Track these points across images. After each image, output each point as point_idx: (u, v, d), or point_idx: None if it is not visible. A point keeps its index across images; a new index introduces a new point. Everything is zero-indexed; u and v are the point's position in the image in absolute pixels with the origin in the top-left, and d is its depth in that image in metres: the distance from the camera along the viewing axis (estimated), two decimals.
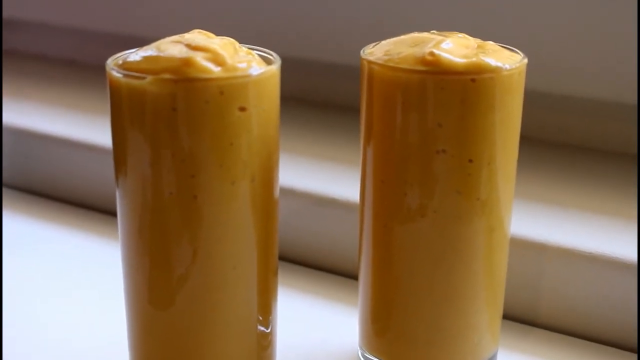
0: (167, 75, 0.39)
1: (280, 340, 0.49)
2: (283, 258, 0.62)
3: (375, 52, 0.46)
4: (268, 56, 0.44)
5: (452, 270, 0.46)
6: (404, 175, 0.45)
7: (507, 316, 0.54)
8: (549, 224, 0.57)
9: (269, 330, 0.46)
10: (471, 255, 0.46)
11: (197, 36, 0.43)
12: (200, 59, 0.40)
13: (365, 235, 0.48)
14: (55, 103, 0.82)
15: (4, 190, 0.76)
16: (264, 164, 0.42)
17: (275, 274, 0.46)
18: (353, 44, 0.53)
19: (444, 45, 0.43)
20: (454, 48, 0.44)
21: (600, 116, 0.67)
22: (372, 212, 0.47)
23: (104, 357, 0.52)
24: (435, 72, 0.43)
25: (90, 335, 0.54)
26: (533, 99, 0.56)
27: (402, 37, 0.47)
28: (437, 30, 0.47)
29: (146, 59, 0.41)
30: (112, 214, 0.49)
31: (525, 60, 0.45)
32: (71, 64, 0.95)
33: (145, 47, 0.42)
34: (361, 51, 0.46)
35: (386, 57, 0.44)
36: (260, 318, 0.45)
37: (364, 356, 0.51)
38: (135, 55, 0.42)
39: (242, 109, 0.40)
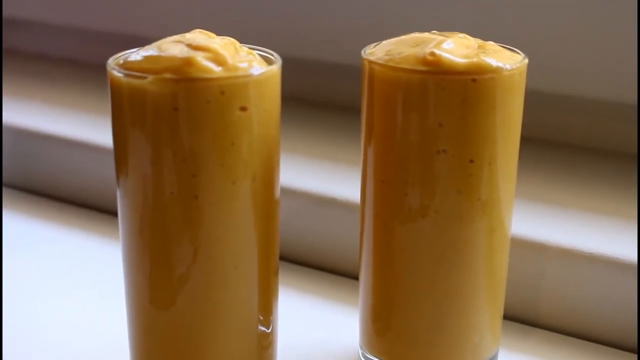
0: (168, 75, 0.39)
1: (280, 340, 0.49)
2: (284, 258, 0.62)
3: (376, 52, 0.46)
4: (269, 56, 0.44)
5: (452, 270, 0.46)
6: (404, 175, 0.45)
7: (508, 316, 0.54)
8: (549, 224, 0.57)
9: (269, 330, 0.46)
10: (472, 255, 0.46)
11: (198, 36, 0.43)
12: (201, 58, 0.40)
13: (366, 235, 0.48)
14: (56, 103, 0.82)
15: (4, 189, 0.76)
16: (265, 164, 0.42)
17: (276, 273, 0.46)
18: (354, 44, 0.53)
19: (444, 46, 0.44)
20: (455, 48, 0.44)
21: (600, 116, 0.67)
22: (372, 212, 0.47)
23: (105, 357, 0.52)
24: (436, 72, 0.43)
25: (91, 335, 0.54)
26: (533, 99, 0.56)
27: (403, 37, 0.47)
28: (438, 30, 0.47)
29: (147, 58, 0.41)
30: (113, 213, 0.49)
31: (526, 61, 0.45)
32: (72, 63, 0.95)
33: (146, 47, 0.42)
34: (362, 51, 0.46)
35: (387, 57, 0.44)
36: (261, 318, 0.45)
37: (364, 356, 0.51)
38: (136, 54, 0.42)
39: (243, 109, 0.40)
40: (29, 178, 0.76)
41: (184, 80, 0.39)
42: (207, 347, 0.44)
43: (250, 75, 0.41)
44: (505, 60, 0.44)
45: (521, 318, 0.56)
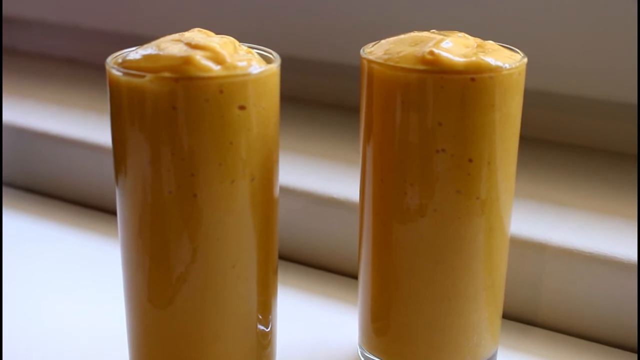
0: (167, 74, 0.39)
1: (280, 339, 0.49)
2: (283, 257, 0.62)
3: (375, 51, 0.46)
4: (268, 55, 0.44)
5: (451, 269, 0.46)
6: (403, 175, 0.45)
7: (507, 316, 0.54)
8: (548, 223, 0.57)
9: (268, 329, 0.46)
10: (471, 255, 0.46)
11: (197, 35, 0.43)
12: (200, 57, 0.40)
13: (365, 234, 0.48)
14: (55, 101, 0.82)
15: (4, 188, 0.76)
16: (264, 163, 0.42)
17: (275, 272, 0.46)
18: (353, 43, 0.53)
19: (443, 45, 0.43)
20: (454, 47, 0.44)
21: (600, 116, 0.67)
22: (372, 211, 0.47)
23: (104, 356, 0.52)
24: (435, 71, 0.42)
25: (90, 333, 0.54)
26: (533, 99, 0.56)
27: (402, 36, 0.47)
28: (437, 29, 0.47)
29: (146, 57, 0.41)
30: (112, 212, 0.49)
31: (525, 60, 0.45)
32: (71, 62, 0.95)
33: (145, 46, 0.42)
34: (361, 50, 0.46)
35: (386, 56, 0.44)
36: (260, 317, 0.45)
37: (363, 355, 0.51)
38: (135, 53, 0.42)
39: (242, 108, 0.40)
40: (28, 177, 0.76)
41: (182, 79, 0.39)
42: (206, 345, 0.44)
43: (249, 74, 0.41)
44: (505, 59, 0.44)
45: (520, 317, 0.56)
